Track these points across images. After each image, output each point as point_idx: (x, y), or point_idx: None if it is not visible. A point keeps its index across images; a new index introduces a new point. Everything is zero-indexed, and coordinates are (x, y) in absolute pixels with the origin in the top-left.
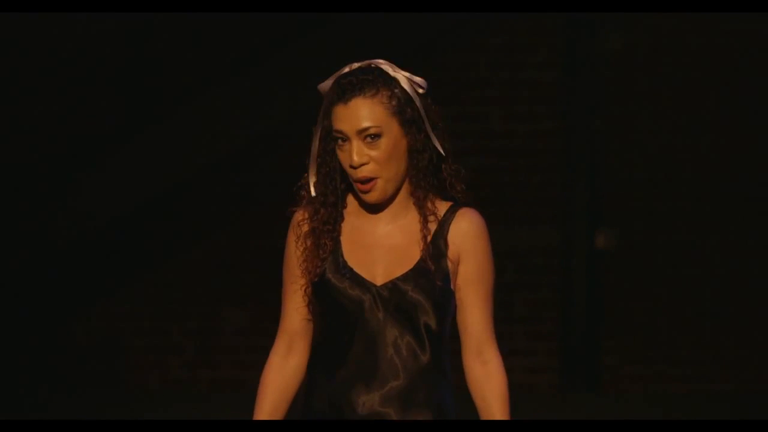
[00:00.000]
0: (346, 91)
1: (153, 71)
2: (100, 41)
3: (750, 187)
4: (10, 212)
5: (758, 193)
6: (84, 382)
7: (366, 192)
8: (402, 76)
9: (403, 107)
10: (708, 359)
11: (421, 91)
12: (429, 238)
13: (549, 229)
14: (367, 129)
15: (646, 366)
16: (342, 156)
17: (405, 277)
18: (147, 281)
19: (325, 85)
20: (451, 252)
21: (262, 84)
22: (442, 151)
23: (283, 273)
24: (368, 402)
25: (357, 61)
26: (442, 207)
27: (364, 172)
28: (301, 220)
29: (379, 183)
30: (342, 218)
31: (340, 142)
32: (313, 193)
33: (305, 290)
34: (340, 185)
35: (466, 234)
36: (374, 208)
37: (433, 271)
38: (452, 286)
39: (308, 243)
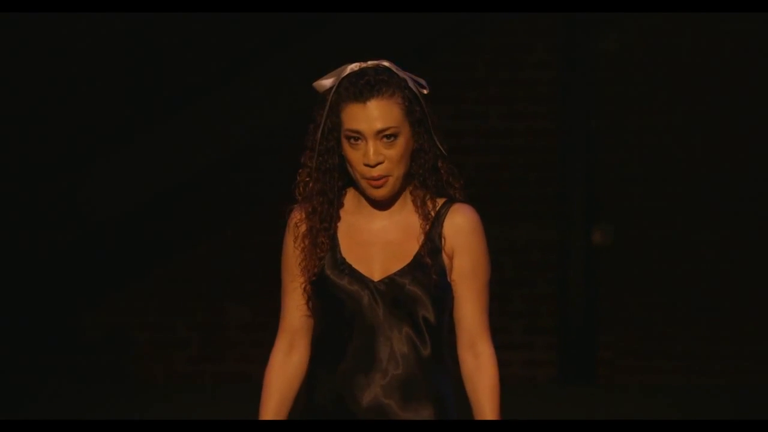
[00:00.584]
0: (364, 91)
1: (156, 71)
2: (101, 41)
3: (743, 184)
4: (19, 208)
5: (751, 190)
6: (90, 375)
7: (377, 188)
8: (407, 77)
9: (413, 108)
10: (702, 353)
11: (425, 92)
12: (425, 233)
13: (547, 226)
14: (386, 129)
15: (642, 359)
16: (354, 154)
17: (402, 272)
18: (153, 277)
19: (324, 82)
20: (446, 246)
21: (263, 83)
22: (444, 151)
23: (281, 272)
24: (370, 393)
25: (356, 62)
26: (438, 203)
27: (379, 170)
28: (298, 220)
29: (390, 180)
30: (339, 215)
31: (352, 141)
32: (310, 190)
33: (304, 288)
34: (338, 182)
35: (460, 229)
36: (371, 205)
37: (429, 266)
38: (449, 280)
39: (306, 242)
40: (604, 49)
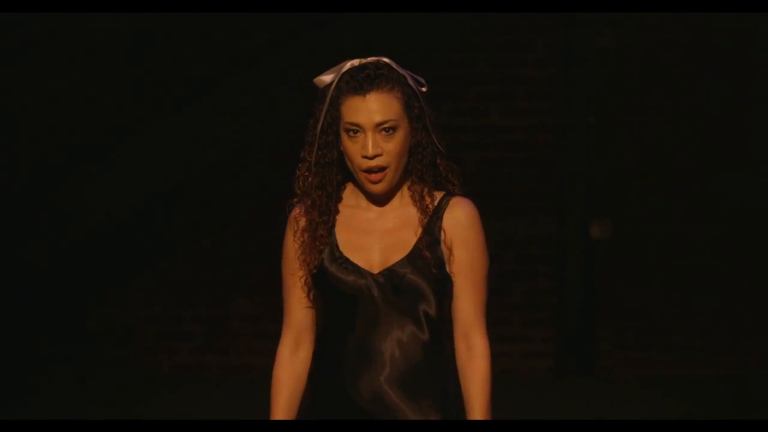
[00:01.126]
0: (364, 84)
1: (157, 70)
2: (102, 41)
3: (739, 178)
4: (25, 204)
5: (748, 185)
6: (97, 367)
7: (375, 182)
8: (406, 74)
9: (411, 103)
10: (699, 345)
11: (424, 89)
12: (423, 226)
13: (546, 220)
14: (385, 122)
15: (640, 351)
16: (352, 147)
17: (401, 264)
18: (159, 270)
19: (325, 78)
20: (446, 239)
21: (264, 81)
22: (441, 148)
23: (282, 268)
24: (372, 385)
25: (357, 59)
26: (436, 196)
27: (377, 161)
28: (298, 214)
29: (388, 174)
30: (337, 209)
31: (351, 133)
32: (309, 184)
33: (305, 282)
34: (336, 176)
35: (459, 223)
36: (370, 199)
37: (429, 258)
38: (448, 272)
39: (305, 236)
40: (602, 46)
